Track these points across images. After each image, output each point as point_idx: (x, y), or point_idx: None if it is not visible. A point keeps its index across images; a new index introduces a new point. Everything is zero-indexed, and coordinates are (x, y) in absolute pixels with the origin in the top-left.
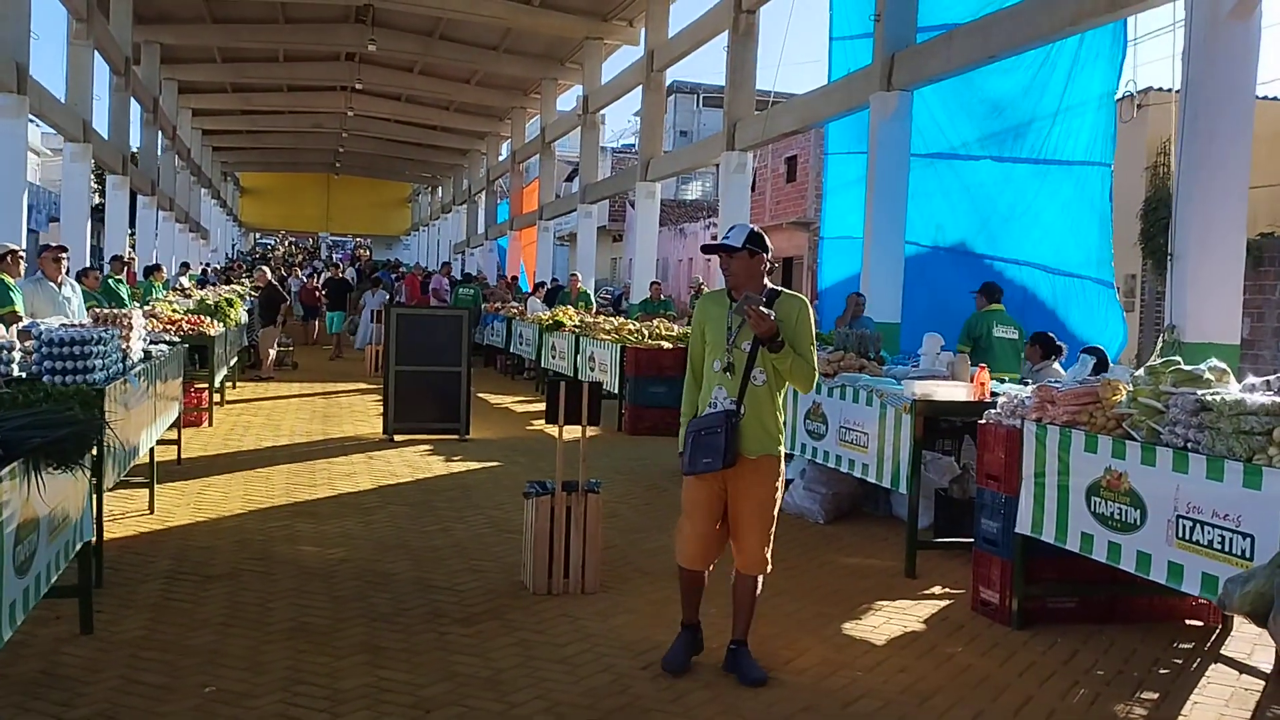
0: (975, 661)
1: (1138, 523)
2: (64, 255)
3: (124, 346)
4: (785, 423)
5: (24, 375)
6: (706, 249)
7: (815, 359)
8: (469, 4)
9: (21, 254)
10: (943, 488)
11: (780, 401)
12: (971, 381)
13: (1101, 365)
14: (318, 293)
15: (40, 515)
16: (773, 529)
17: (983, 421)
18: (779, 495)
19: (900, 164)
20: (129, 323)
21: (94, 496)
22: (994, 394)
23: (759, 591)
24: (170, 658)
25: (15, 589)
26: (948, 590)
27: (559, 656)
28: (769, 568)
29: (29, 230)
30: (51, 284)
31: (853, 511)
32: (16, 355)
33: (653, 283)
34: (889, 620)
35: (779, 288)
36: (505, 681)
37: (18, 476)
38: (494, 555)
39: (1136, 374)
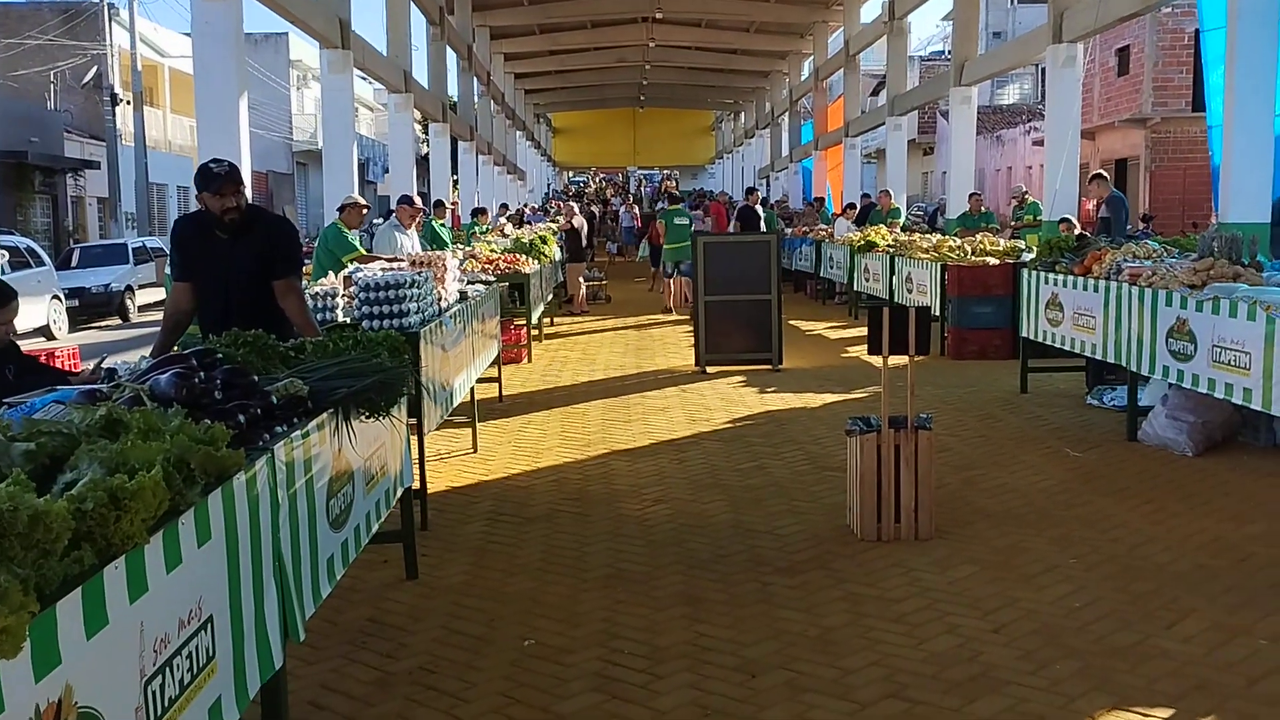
0: None
1: None
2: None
3: (439, 289)
4: (1140, 338)
5: (347, 320)
6: None
7: None
8: None
9: (366, 206)
10: None
11: None
12: None
13: None
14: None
15: (355, 467)
16: None
17: None
18: None
19: (1270, 32)
20: (444, 265)
21: (416, 441)
22: None
23: None
24: (489, 605)
25: (332, 543)
26: None
27: (894, 614)
28: None
29: (367, 181)
30: (404, 231)
31: (1226, 442)
32: (340, 301)
33: (972, 194)
34: None
35: None
36: (837, 642)
37: (325, 428)
38: (814, 495)
39: None
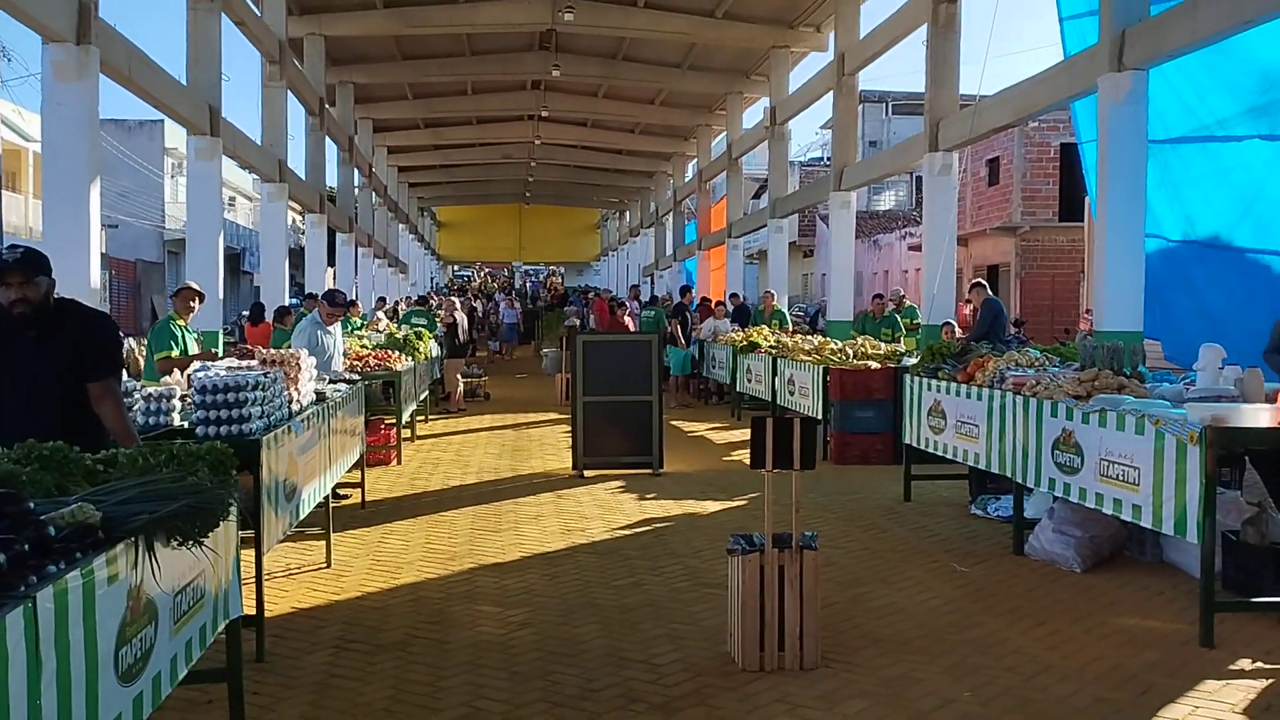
0: None
1: None
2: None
3: (291, 390)
4: (1025, 449)
5: (184, 425)
6: None
7: None
8: (651, 22)
9: (199, 295)
10: (1232, 530)
11: None
12: (1276, 402)
13: None
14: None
15: (159, 603)
16: None
17: None
18: None
19: (1137, 152)
20: (297, 364)
21: (255, 558)
22: None
23: None
24: None
25: (120, 701)
26: (1262, 665)
27: None
28: None
29: (243, 271)
30: (325, 330)
31: (1113, 556)
32: (177, 404)
33: (875, 296)
34: (1196, 711)
35: None
36: None
37: (119, 561)
38: (693, 617)
39: None
